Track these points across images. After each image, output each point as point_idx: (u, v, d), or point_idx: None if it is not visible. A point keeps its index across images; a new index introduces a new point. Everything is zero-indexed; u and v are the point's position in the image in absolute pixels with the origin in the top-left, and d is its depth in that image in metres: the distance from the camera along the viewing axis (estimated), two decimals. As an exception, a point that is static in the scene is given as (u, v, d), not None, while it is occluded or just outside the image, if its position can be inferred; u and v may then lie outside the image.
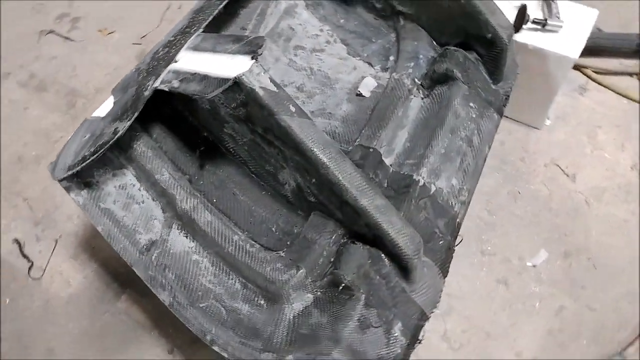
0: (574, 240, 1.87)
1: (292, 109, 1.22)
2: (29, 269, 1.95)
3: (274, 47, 1.81)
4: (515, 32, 1.82)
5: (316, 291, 1.24)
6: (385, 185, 1.38)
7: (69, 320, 1.82)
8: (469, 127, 1.47)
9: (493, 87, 1.57)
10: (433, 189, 1.35)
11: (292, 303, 1.24)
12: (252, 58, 1.23)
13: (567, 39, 1.82)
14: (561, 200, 1.95)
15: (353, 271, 1.18)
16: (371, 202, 1.17)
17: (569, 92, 2.24)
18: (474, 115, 1.50)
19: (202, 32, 1.50)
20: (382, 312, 1.17)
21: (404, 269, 1.19)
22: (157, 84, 1.35)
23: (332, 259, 1.25)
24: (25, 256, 1.99)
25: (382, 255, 1.21)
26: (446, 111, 1.47)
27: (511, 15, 1.84)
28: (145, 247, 1.39)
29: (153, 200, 1.46)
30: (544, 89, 1.95)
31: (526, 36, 1.84)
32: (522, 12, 1.80)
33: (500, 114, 1.55)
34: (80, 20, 2.84)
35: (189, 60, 1.39)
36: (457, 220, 1.35)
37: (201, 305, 1.30)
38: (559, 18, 1.83)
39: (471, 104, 1.51)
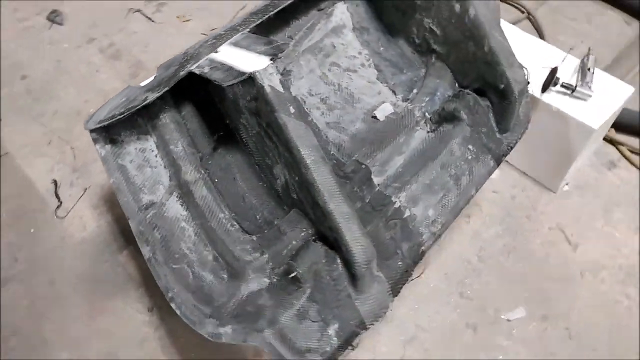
0: (556, 306, 1.84)
1: (292, 110, 1.35)
2: (57, 208, 2.18)
3: (312, 59, 1.95)
4: (542, 92, 1.88)
5: (273, 277, 1.34)
6: (367, 201, 1.47)
7: (75, 259, 2.02)
8: (460, 167, 1.53)
9: (498, 135, 1.62)
10: (407, 213, 1.43)
11: (249, 283, 1.34)
12: (271, 59, 1.39)
13: (593, 109, 1.83)
14: (556, 266, 1.94)
15: (306, 265, 1.28)
16: (337, 207, 1.26)
17: (598, 164, 2.22)
18: (469, 157, 1.56)
19: (248, 32, 1.66)
20: (323, 309, 1.25)
21: (353, 276, 1.27)
22: (193, 67, 1.52)
23: (294, 252, 1.35)
24: (57, 196, 2.22)
25: (338, 259, 1.30)
26: (443, 147, 1.54)
27: (543, 76, 1.89)
28: (144, 205, 1.54)
29: (164, 167, 1.62)
30: (564, 153, 1.96)
31: (553, 98, 1.87)
32: (552, 73, 1.84)
33: (498, 162, 1.60)
34: (164, 5, 3.14)
35: (226, 53, 1.55)
36: (423, 248, 1.41)
37: (174, 266, 1.43)
38: (590, 87, 1.84)
39: (470, 146, 1.57)
